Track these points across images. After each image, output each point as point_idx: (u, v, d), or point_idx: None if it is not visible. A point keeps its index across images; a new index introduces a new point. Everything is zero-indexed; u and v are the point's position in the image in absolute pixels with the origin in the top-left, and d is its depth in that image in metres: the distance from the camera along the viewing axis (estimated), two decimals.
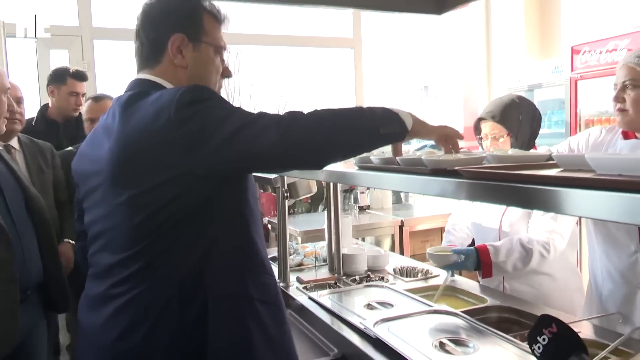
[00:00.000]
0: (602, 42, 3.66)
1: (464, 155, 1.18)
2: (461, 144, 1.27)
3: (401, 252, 3.97)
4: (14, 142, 2.20)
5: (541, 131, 4.52)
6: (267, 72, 4.56)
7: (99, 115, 2.30)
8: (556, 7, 4.39)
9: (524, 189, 0.88)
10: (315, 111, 1.12)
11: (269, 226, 4.19)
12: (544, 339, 1.11)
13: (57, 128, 2.86)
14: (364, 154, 1.41)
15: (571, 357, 1.07)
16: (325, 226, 2.44)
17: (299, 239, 3.50)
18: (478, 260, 1.96)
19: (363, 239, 3.81)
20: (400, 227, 3.91)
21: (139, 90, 1.21)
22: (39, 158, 2.26)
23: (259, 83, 4.55)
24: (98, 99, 2.52)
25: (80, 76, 2.87)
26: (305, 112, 1.11)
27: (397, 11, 2.45)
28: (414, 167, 1.21)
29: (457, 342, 1.48)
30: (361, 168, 1.47)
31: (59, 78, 2.83)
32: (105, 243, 1.23)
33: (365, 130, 1.14)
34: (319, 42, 4.41)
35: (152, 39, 1.24)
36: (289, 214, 2.43)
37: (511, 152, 1.26)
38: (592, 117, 3.84)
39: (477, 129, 2.13)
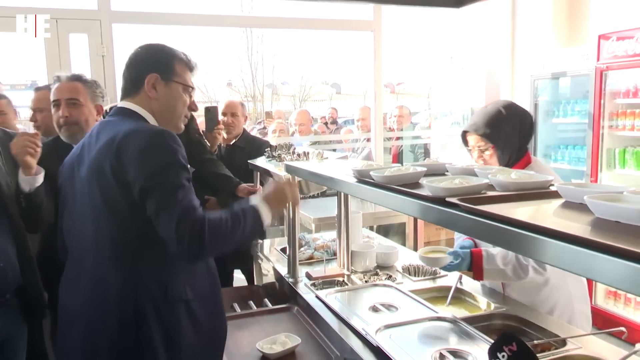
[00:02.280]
0: (631, 32, 3.53)
1: (466, 182, 1.17)
2: None
3: (415, 240, 3.97)
4: None
5: (564, 120, 4.40)
6: (289, 54, 4.55)
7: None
8: None
9: (521, 236, 0.88)
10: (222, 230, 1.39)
11: None
12: (503, 356, 1.14)
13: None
14: (364, 168, 1.52)
15: None
16: (336, 221, 2.45)
17: (313, 226, 3.53)
18: (472, 263, 1.92)
19: (377, 228, 3.80)
20: None
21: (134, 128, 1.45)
22: None
23: (281, 65, 4.53)
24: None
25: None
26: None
27: (416, 4, 2.42)
28: (416, 191, 1.22)
29: (457, 354, 1.50)
30: (361, 182, 1.49)
31: None
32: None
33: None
34: (338, 25, 4.34)
35: (133, 76, 1.56)
36: (301, 197, 2.47)
37: (514, 175, 1.24)
38: (617, 109, 3.73)
39: (464, 140, 2.03)
